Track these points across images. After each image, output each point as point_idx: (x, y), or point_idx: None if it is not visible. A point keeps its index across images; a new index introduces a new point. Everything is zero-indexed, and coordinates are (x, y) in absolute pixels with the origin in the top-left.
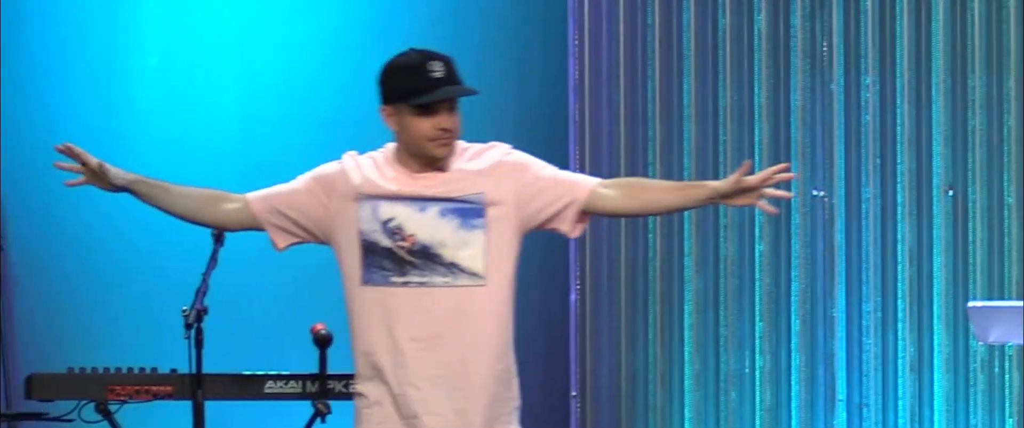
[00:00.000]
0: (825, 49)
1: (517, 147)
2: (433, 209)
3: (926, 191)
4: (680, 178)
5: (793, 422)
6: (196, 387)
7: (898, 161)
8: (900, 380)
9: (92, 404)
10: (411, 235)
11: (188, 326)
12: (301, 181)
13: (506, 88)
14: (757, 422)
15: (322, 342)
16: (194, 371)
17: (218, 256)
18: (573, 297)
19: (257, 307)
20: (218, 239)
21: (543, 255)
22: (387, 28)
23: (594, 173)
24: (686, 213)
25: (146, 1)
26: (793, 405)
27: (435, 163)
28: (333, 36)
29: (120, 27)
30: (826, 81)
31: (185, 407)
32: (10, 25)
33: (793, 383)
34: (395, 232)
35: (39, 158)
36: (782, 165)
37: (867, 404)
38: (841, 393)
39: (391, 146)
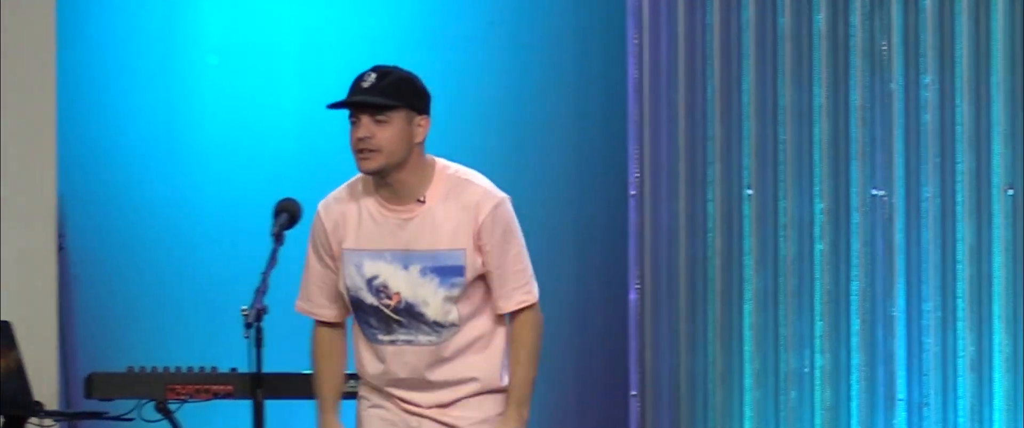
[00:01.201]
0: (884, 48)
1: (577, 148)
2: (415, 267)
3: (985, 190)
4: (740, 178)
5: (853, 421)
6: (256, 386)
7: (957, 160)
8: (960, 379)
9: (152, 403)
10: (396, 293)
11: (248, 325)
12: (313, 258)
13: (565, 88)
14: (817, 421)
15: None
16: (254, 370)
17: (278, 255)
18: (633, 296)
19: None
20: (278, 238)
21: (602, 255)
22: (446, 28)
23: (654, 175)
24: (746, 211)
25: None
26: (853, 404)
27: (391, 186)
28: (392, 35)
29: (179, 26)
30: (885, 80)
31: (245, 406)
32: (69, 24)
33: (853, 382)
34: (380, 290)
35: (99, 157)
36: None
37: (927, 403)
38: (901, 392)
39: None
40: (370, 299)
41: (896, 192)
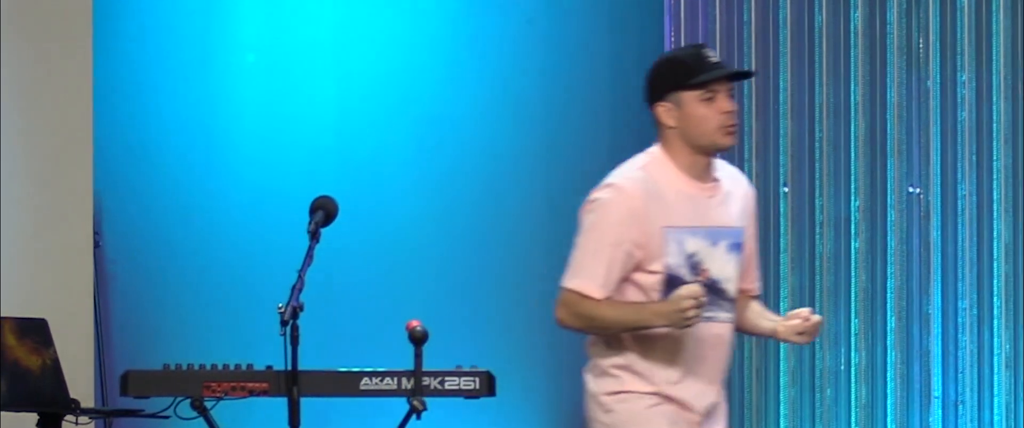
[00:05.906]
0: (921, 46)
1: (613, 146)
2: (723, 243)
3: (1021, 188)
4: (776, 175)
5: (889, 419)
6: (292, 384)
7: (994, 158)
8: (996, 377)
9: (187, 400)
10: (706, 270)
11: (284, 323)
12: (612, 237)
13: (602, 86)
14: (853, 419)
15: (418, 339)
16: (290, 368)
17: (314, 253)
18: None
19: (353, 304)
20: (314, 236)
21: None
22: (483, 26)
23: None
24: (782, 209)
25: None
26: (888, 402)
27: (713, 157)
28: (429, 33)
29: (216, 23)
30: (922, 78)
31: (281, 403)
32: (105, 22)
33: (889, 380)
34: (695, 267)
35: (135, 155)
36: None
37: (962, 401)
38: (936, 390)
39: (656, 152)
40: (687, 276)
41: (932, 189)
